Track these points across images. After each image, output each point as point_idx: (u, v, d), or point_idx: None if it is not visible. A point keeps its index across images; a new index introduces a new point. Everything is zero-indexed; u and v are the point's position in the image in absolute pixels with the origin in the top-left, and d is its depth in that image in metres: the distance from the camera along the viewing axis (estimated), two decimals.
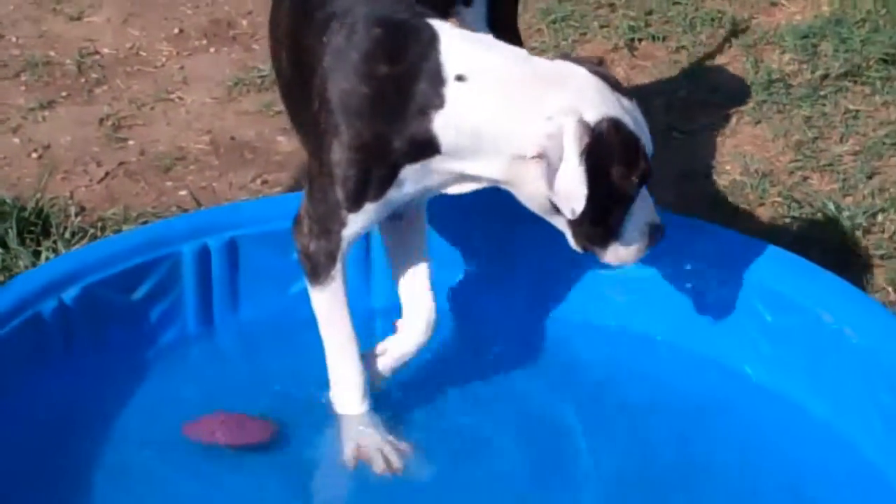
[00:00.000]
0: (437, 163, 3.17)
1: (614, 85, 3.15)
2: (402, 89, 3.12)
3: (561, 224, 3.19)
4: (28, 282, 3.52)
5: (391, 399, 3.44)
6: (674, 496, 3.27)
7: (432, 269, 3.45)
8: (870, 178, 4.49)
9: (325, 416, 3.37)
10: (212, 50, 5.23)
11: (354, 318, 3.34)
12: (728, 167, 4.57)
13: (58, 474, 3.27)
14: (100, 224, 4.21)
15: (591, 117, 3.04)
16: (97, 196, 4.44)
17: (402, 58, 3.13)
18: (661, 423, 3.47)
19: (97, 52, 5.18)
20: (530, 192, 3.14)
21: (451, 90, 3.11)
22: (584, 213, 3.05)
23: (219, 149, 4.67)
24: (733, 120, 4.79)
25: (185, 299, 3.64)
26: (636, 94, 3.22)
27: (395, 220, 3.41)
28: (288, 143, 4.64)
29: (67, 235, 4.10)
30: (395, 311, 3.67)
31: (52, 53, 5.17)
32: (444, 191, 3.29)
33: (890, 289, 4.03)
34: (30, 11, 5.42)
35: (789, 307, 3.50)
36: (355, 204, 3.21)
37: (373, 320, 3.69)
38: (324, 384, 3.37)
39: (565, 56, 3.24)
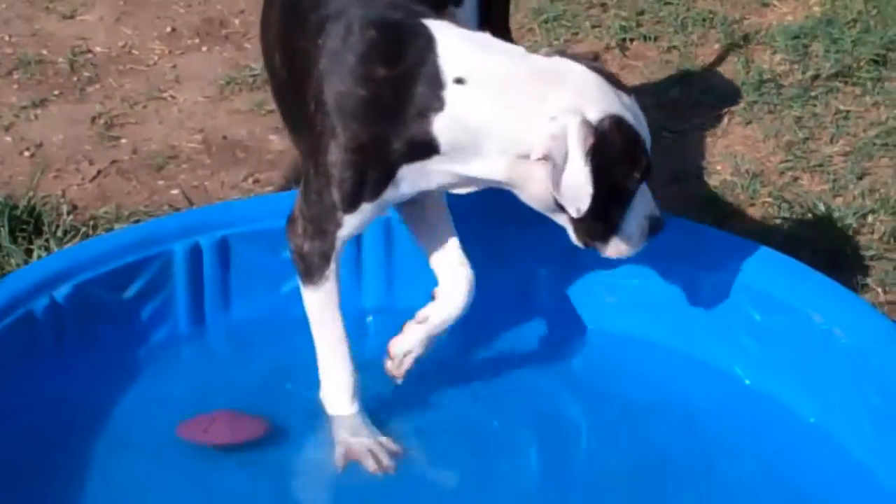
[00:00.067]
0: (435, 163, 3.18)
1: (613, 81, 3.16)
2: (400, 92, 3.12)
3: (563, 220, 3.21)
4: (19, 280, 3.52)
5: (382, 399, 3.44)
6: (663, 495, 3.28)
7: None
8: (860, 178, 4.50)
9: (316, 416, 3.37)
10: (204, 49, 5.23)
11: (345, 318, 3.34)
12: (719, 167, 4.57)
13: (49, 473, 3.27)
14: (92, 223, 4.21)
15: (594, 115, 3.05)
16: (89, 194, 4.44)
17: (398, 60, 3.13)
18: (651, 423, 3.47)
19: (90, 51, 5.18)
20: (533, 191, 3.15)
21: (451, 93, 3.11)
22: (587, 210, 3.07)
23: (211, 147, 4.68)
24: (724, 120, 4.80)
25: (176, 298, 3.63)
26: None
27: (413, 206, 3.40)
28: (280, 142, 4.64)
29: (59, 234, 4.10)
30: (386, 311, 3.70)
31: (44, 52, 5.17)
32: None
33: (879, 289, 4.04)
34: (22, 10, 5.42)
35: (779, 308, 3.51)
36: (351, 205, 3.21)
37: (364, 320, 3.70)
38: (315, 384, 3.37)
39: (561, 52, 3.24)
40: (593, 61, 3.23)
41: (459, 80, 3.11)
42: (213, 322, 3.68)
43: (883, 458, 3.22)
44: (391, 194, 3.22)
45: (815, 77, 4.96)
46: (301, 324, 3.34)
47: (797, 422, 3.43)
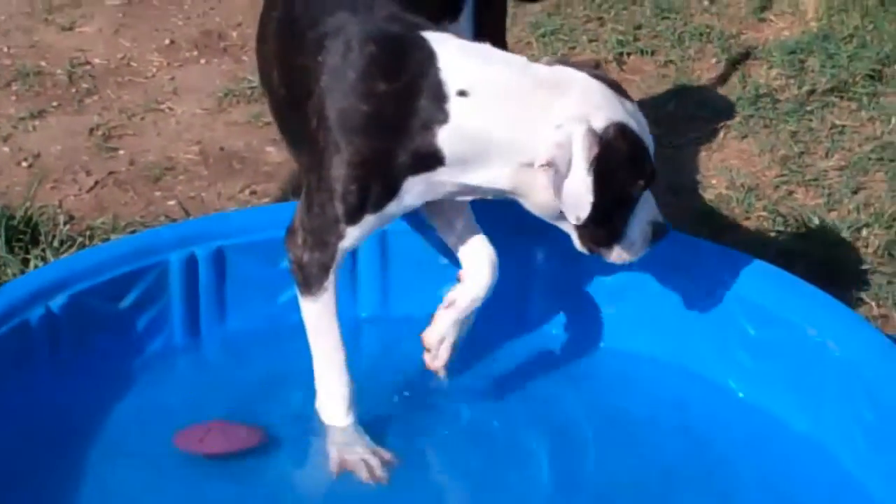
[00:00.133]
0: (440, 174, 3.19)
1: (616, 88, 3.17)
2: (403, 106, 3.13)
3: (567, 227, 3.22)
4: (15, 290, 3.52)
5: (377, 410, 3.44)
6: None
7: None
8: (855, 193, 4.51)
9: (311, 426, 3.38)
10: (202, 61, 5.24)
11: (342, 328, 3.34)
12: (714, 181, 4.59)
13: (44, 483, 3.26)
14: (88, 233, 4.22)
15: (599, 124, 3.07)
16: (86, 205, 4.45)
17: (399, 74, 3.14)
18: (644, 435, 3.48)
19: (88, 63, 5.19)
20: (537, 199, 3.16)
21: (455, 105, 3.12)
22: (591, 216, 3.08)
23: (208, 159, 4.69)
24: (720, 134, 4.81)
25: (172, 308, 3.64)
26: None
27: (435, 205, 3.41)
28: (277, 154, 4.65)
29: (56, 244, 4.11)
30: (382, 320, 3.70)
31: (43, 63, 5.19)
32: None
33: (873, 303, 4.05)
34: (22, 21, 5.44)
35: (773, 321, 3.51)
36: (355, 218, 3.22)
37: (359, 330, 3.70)
38: (310, 394, 3.38)
39: (563, 61, 3.25)
40: (595, 69, 3.24)
41: (462, 93, 3.12)
42: (209, 332, 3.68)
43: (875, 472, 3.23)
44: (395, 206, 3.23)
45: (811, 92, 4.97)
46: (296, 334, 3.35)
47: (790, 434, 3.44)
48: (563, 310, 3.75)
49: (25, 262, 4.04)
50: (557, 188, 3.06)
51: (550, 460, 3.44)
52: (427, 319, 3.42)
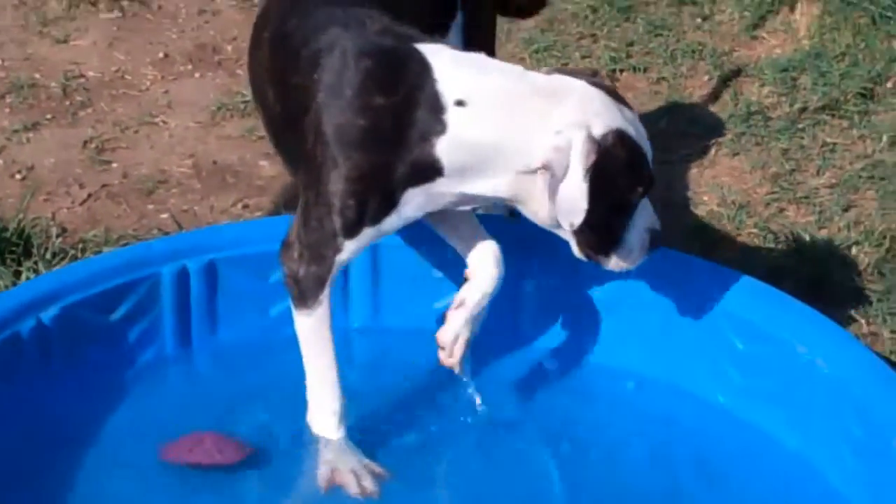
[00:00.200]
0: (439, 185, 3.19)
1: (614, 95, 3.18)
2: (400, 118, 3.14)
3: (565, 234, 3.22)
4: (7, 301, 3.53)
5: (369, 423, 3.45)
6: None
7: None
8: (845, 210, 4.53)
9: (301, 439, 3.38)
10: (196, 75, 5.25)
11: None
12: (705, 198, 4.60)
13: (34, 494, 3.27)
14: (81, 245, 4.22)
15: (598, 130, 3.08)
16: (79, 218, 4.46)
17: (395, 87, 3.15)
18: (633, 451, 3.49)
19: (82, 76, 5.20)
20: (536, 206, 3.17)
21: (452, 116, 3.13)
22: (589, 223, 3.09)
23: (201, 172, 4.70)
24: (712, 151, 4.82)
25: (163, 321, 3.64)
26: None
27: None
28: (270, 168, 4.66)
29: (48, 256, 4.12)
30: (374, 331, 3.70)
31: (37, 76, 5.19)
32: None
33: (863, 321, 4.06)
34: (16, 34, 5.45)
35: (762, 337, 3.52)
36: (352, 232, 3.23)
37: (351, 341, 3.71)
38: (300, 407, 3.38)
39: (560, 70, 3.26)
40: (593, 77, 3.24)
41: (460, 102, 3.13)
42: (200, 345, 3.69)
43: (861, 488, 3.24)
44: (395, 218, 3.24)
45: (803, 110, 4.98)
46: (287, 347, 3.35)
47: (779, 450, 3.44)
48: (555, 325, 3.75)
49: (17, 274, 4.05)
50: (553, 192, 3.06)
51: (540, 475, 3.44)
52: (418, 331, 3.44)
